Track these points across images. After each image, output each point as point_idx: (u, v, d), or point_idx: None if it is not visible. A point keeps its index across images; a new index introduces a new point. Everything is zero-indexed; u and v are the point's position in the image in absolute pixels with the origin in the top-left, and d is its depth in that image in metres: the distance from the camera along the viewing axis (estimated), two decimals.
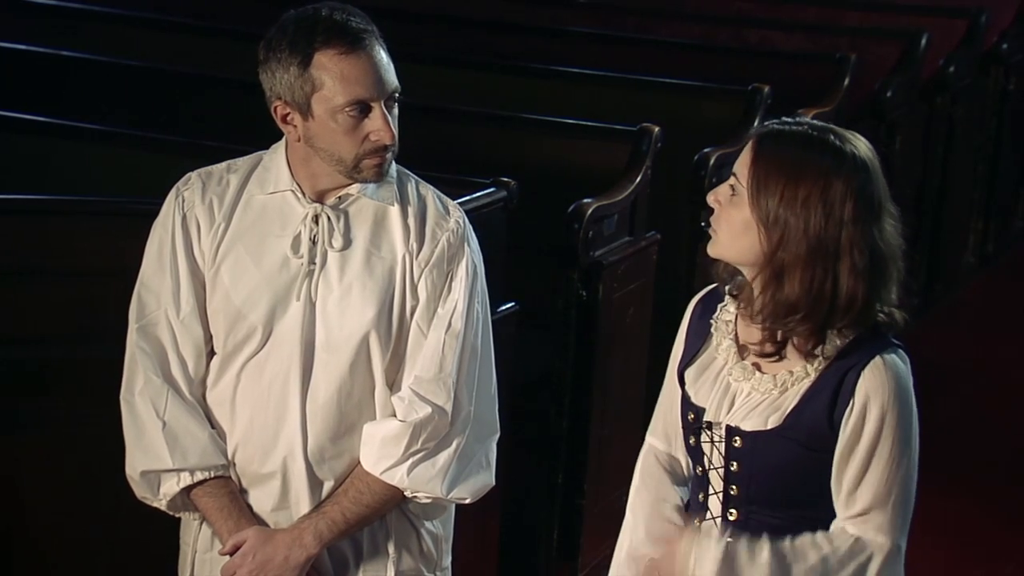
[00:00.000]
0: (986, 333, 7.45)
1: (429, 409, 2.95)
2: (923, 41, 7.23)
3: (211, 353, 3.02)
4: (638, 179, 5.00)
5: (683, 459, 2.91)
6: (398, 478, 2.95)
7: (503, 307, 4.26)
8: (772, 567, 2.68)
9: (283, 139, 3.01)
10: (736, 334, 2.79)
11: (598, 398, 4.81)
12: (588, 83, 6.23)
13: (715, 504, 2.80)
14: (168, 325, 2.99)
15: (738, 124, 5.76)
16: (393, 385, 3.00)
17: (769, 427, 2.70)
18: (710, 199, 2.74)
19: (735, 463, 2.75)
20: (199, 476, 2.98)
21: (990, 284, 8.21)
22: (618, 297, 4.84)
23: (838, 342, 2.69)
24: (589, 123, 5.44)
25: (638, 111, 5.57)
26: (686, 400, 2.83)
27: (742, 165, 2.70)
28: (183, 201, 3.01)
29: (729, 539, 2.72)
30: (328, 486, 2.99)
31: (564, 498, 4.81)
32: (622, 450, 4.59)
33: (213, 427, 3.01)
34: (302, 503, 2.99)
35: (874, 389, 2.66)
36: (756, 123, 5.68)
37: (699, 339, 2.85)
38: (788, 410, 2.70)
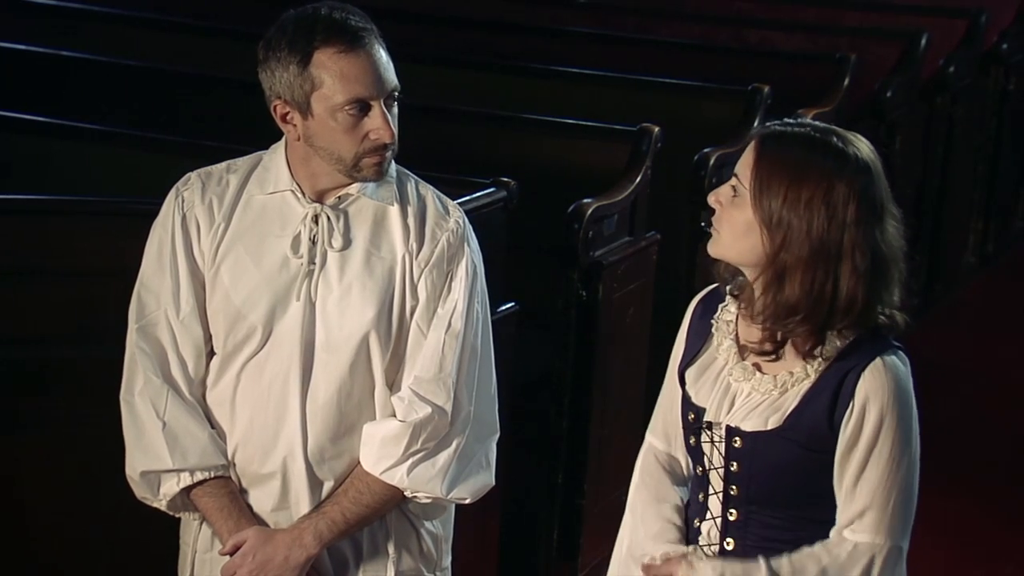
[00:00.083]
0: (986, 333, 7.45)
1: (429, 409, 2.95)
2: (923, 41, 7.22)
3: (211, 353, 3.02)
4: (638, 179, 5.00)
5: (683, 459, 2.91)
6: (398, 478, 2.95)
7: (503, 307, 4.26)
8: None
9: (283, 139, 3.01)
10: (737, 334, 2.79)
11: (598, 398, 4.81)
12: (588, 83, 6.23)
13: (715, 504, 2.80)
14: (168, 325, 2.99)
15: (738, 124, 5.76)
16: (393, 385, 3.00)
17: (769, 428, 2.70)
18: (711, 200, 2.74)
19: (735, 463, 2.75)
20: (199, 476, 2.98)
21: (990, 284, 8.21)
22: (618, 297, 4.84)
23: (838, 343, 2.69)
24: (589, 123, 5.44)
25: (638, 111, 5.57)
26: (686, 400, 2.82)
27: (744, 166, 2.70)
28: (183, 201, 3.01)
29: (723, 564, 2.72)
30: (328, 486, 2.99)
31: (564, 498, 4.81)
32: (622, 450, 4.60)
33: (213, 427, 3.01)
34: (302, 503, 2.99)
35: (873, 391, 2.66)
36: (756, 123, 5.68)
37: (700, 339, 2.85)
38: (788, 411, 2.70)
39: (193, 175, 3.05)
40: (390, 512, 3.03)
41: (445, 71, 6.27)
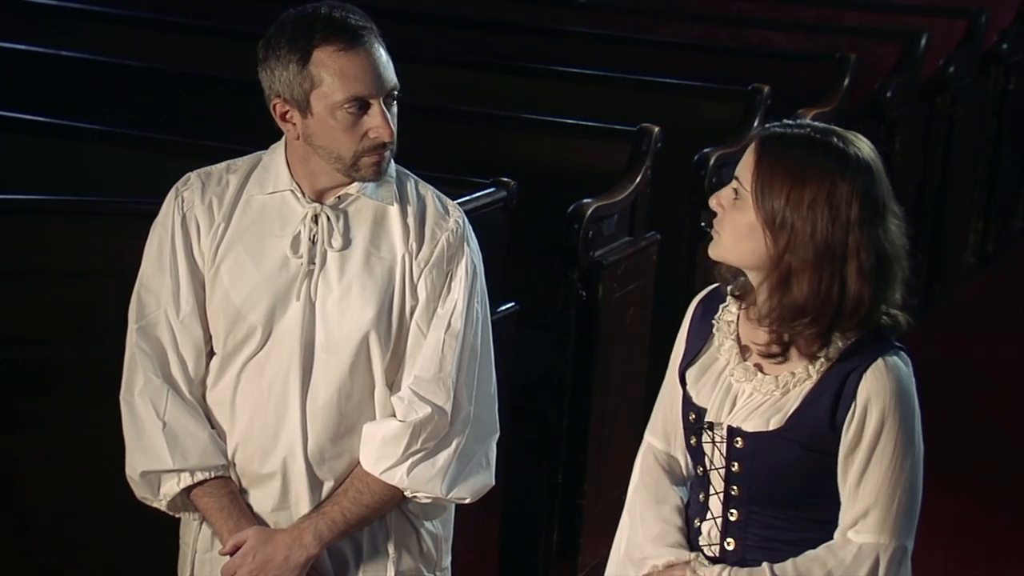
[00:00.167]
0: (986, 333, 7.45)
1: (429, 409, 2.95)
2: (923, 41, 7.22)
3: (211, 353, 3.02)
4: (638, 179, 5.00)
5: (682, 458, 2.91)
6: (398, 478, 2.95)
7: (503, 307, 4.26)
8: None
9: (282, 139, 3.01)
10: (738, 335, 2.79)
11: (598, 398, 4.81)
12: (588, 83, 6.23)
13: (716, 504, 2.80)
14: (168, 325, 2.99)
15: (738, 124, 5.76)
16: (393, 385, 3.00)
17: (771, 428, 2.70)
18: (713, 203, 2.73)
19: (736, 464, 2.75)
20: (199, 476, 2.98)
21: (990, 284, 8.21)
22: (618, 297, 4.84)
23: (840, 344, 2.68)
24: (589, 123, 5.44)
25: (638, 111, 5.57)
26: (687, 400, 2.82)
27: (745, 168, 2.69)
28: (182, 201, 3.01)
29: (727, 570, 2.72)
30: (328, 486, 2.99)
31: (564, 498, 4.81)
32: (622, 450, 4.59)
33: (213, 427, 3.00)
34: (302, 503, 2.99)
35: (875, 392, 2.66)
36: (756, 123, 5.68)
37: (701, 339, 2.85)
38: (790, 411, 2.70)
39: (193, 175, 3.05)
40: (390, 512, 3.03)
41: (445, 71, 6.27)
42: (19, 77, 5.71)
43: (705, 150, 5.38)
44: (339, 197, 2.98)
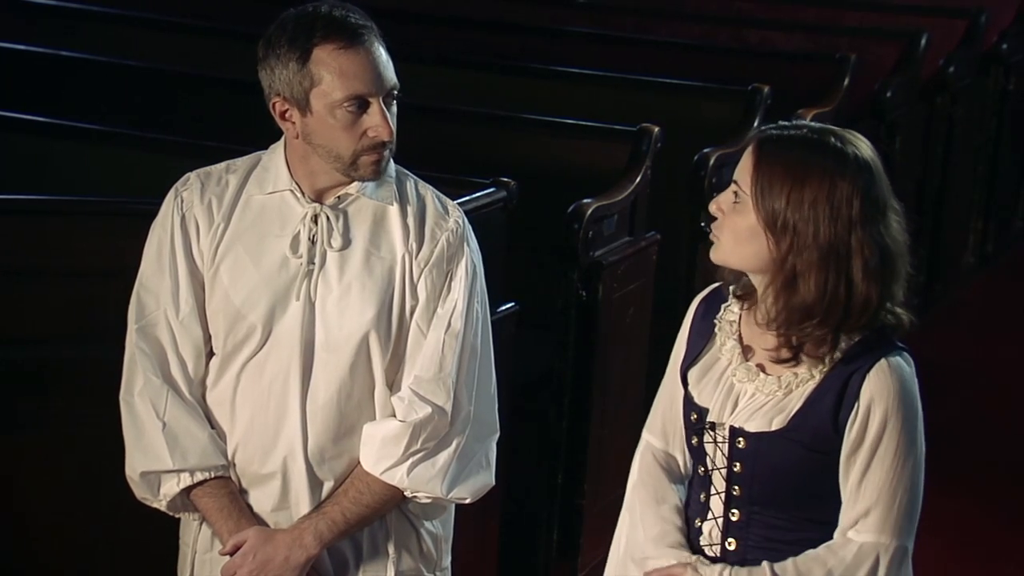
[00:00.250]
0: (986, 333, 7.44)
1: (429, 409, 2.95)
2: (923, 41, 7.22)
3: (210, 353, 3.02)
4: (638, 179, 5.00)
5: (681, 457, 2.91)
6: (398, 478, 2.95)
7: (503, 307, 4.26)
8: None
9: (282, 139, 3.01)
10: (740, 335, 2.79)
11: (598, 398, 4.80)
12: (588, 83, 6.23)
13: (717, 504, 2.79)
14: (167, 326, 2.99)
15: (738, 124, 5.76)
16: (393, 385, 2.99)
17: (773, 428, 2.70)
18: (712, 208, 2.73)
19: (738, 464, 2.75)
20: (199, 476, 2.98)
21: (990, 284, 8.21)
22: (618, 297, 4.84)
23: (843, 344, 2.68)
24: (589, 123, 5.44)
25: (638, 111, 5.57)
26: (689, 400, 2.82)
27: (744, 171, 2.69)
28: (182, 202, 3.01)
29: (728, 569, 2.72)
30: (328, 486, 2.99)
31: (564, 498, 4.81)
32: (622, 450, 4.58)
33: (213, 427, 3.00)
34: (302, 503, 2.99)
35: (878, 392, 2.66)
36: (756, 123, 5.68)
37: (702, 339, 2.84)
38: (793, 412, 2.69)
39: (192, 175, 3.05)
40: (390, 512, 3.03)
41: (445, 71, 6.27)
42: (18, 77, 5.71)
43: (705, 150, 5.38)
44: (339, 197, 2.97)
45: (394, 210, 2.99)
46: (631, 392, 4.97)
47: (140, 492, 3.02)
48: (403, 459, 2.94)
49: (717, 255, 2.74)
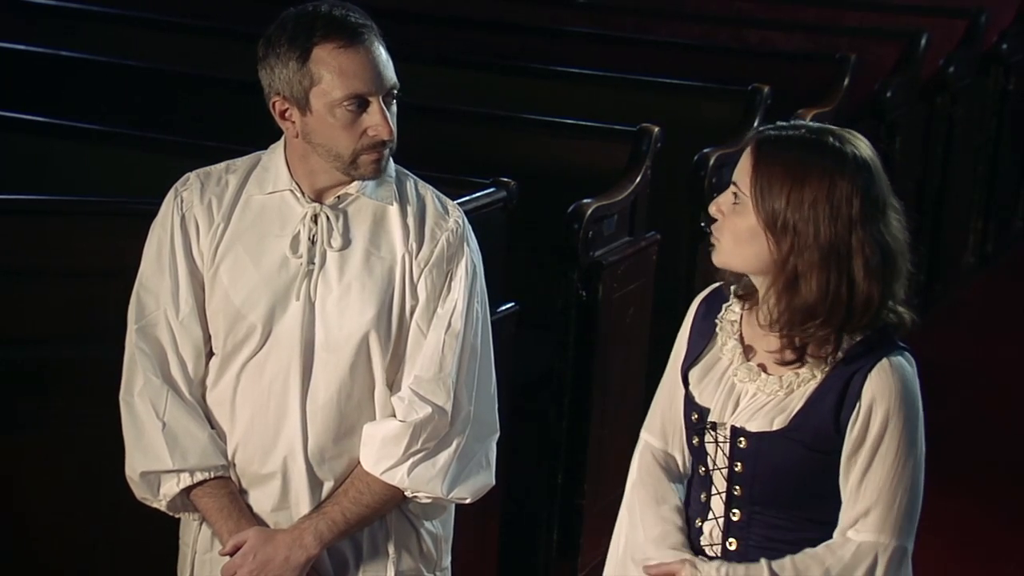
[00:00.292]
0: (986, 333, 7.44)
1: (429, 409, 2.95)
2: (923, 41, 7.22)
3: (210, 353, 3.02)
4: (638, 179, 5.00)
5: (680, 457, 2.90)
6: (398, 478, 2.95)
7: (503, 307, 4.25)
8: None
9: (282, 139, 3.01)
10: (741, 335, 2.79)
11: (598, 398, 4.80)
12: (588, 83, 6.23)
13: (718, 504, 2.79)
14: (167, 326, 2.99)
15: (738, 124, 5.76)
16: (393, 385, 2.99)
17: (775, 428, 2.70)
18: (712, 209, 2.73)
19: (739, 464, 2.75)
20: (199, 477, 2.98)
21: (990, 284, 8.21)
22: (618, 297, 4.84)
23: (845, 344, 2.68)
24: (589, 123, 5.44)
25: (638, 111, 5.57)
26: (690, 400, 2.82)
27: (742, 172, 2.69)
28: (182, 202, 3.01)
29: (726, 566, 2.72)
30: (328, 486, 2.99)
31: (564, 498, 4.81)
32: (621, 450, 4.57)
33: (213, 427, 3.00)
34: (302, 503, 2.98)
35: (880, 392, 2.66)
36: (756, 123, 5.68)
37: (703, 339, 2.84)
38: (794, 412, 2.69)
39: (192, 175, 3.05)
40: (390, 512, 3.03)
41: (445, 71, 6.27)
42: (18, 77, 5.71)
43: (705, 150, 5.38)
44: (339, 197, 2.97)
45: (394, 210, 2.99)
46: (631, 392, 4.97)
47: (140, 492, 3.02)
48: (403, 459, 2.94)
49: (719, 258, 2.73)
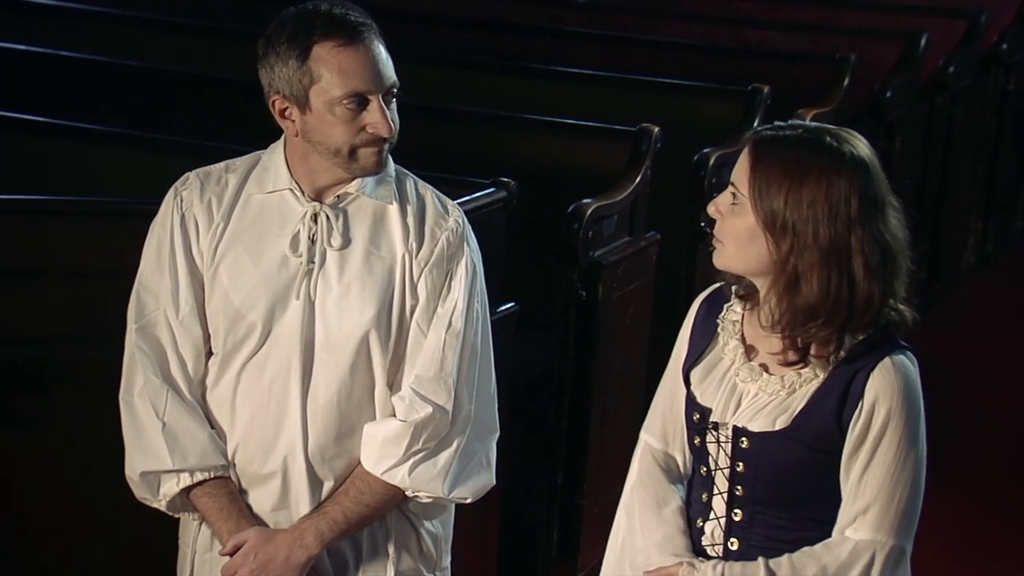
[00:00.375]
0: (986, 333, 7.44)
1: (430, 409, 2.95)
2: (923, 41, 7.23)
3: (210, 353, 3.02)
4: (638, 179, 5.00)
5: (680, 457, 2.90)
6: (399, 478, 2.95)
7: (503, 307, 4.25)
8: None
9: (282, 138, 3.01)
10: (743, 334, 2.78)
11: (598, 398, 4.80)
12: (588, 83, 6.23)
13: (719, 504, 2.79)
14: (167, 325, 2.99)
15: (738, 124, 5.76)
16: (393, 385, 2.99)
17: (777, 428, 2.70)
18: (711, 210, 2.73)
19: (741, 464, 2.74)
20: (199, 476, 2.97)
21: (990, 284, 8.21)
22: (618, 297, 4.83)
23: (847, 343, 2.68)
24: (589, 123, 5.44)
25: (638, 111, 5.57)
26: (691, 400, 2.82)
27: (741, 173, 2.69)
28: (181, 201, 3.01)
29: (723, 564, 2.72)
30: (328, 486, 2.99)
31: (564, 498, 4.81)
32: (621, 450, 4.58)
33: (213, 427, 3.00)
34: (302, 503, 2.98)
35: (883, 391, 2.65)
36: (756, 123, 5.68)
37: (704, 339, 2.84)
38: (796, 411, 2.69)
39: (192, 175, 3.05)
40: (390, 512, 3.03)
41: (445, 71, 6.27)
42: (18, 77, 5.71)
43: (705, 150, 5.38)
44: (338, 196, 2.97)
45: (394, 209, 2.99)
46: (631, 392, 4.97)
47: (140, 492, 3.02)
48: (404, 459, 2.94)
49: (720, 260, 2.73)
